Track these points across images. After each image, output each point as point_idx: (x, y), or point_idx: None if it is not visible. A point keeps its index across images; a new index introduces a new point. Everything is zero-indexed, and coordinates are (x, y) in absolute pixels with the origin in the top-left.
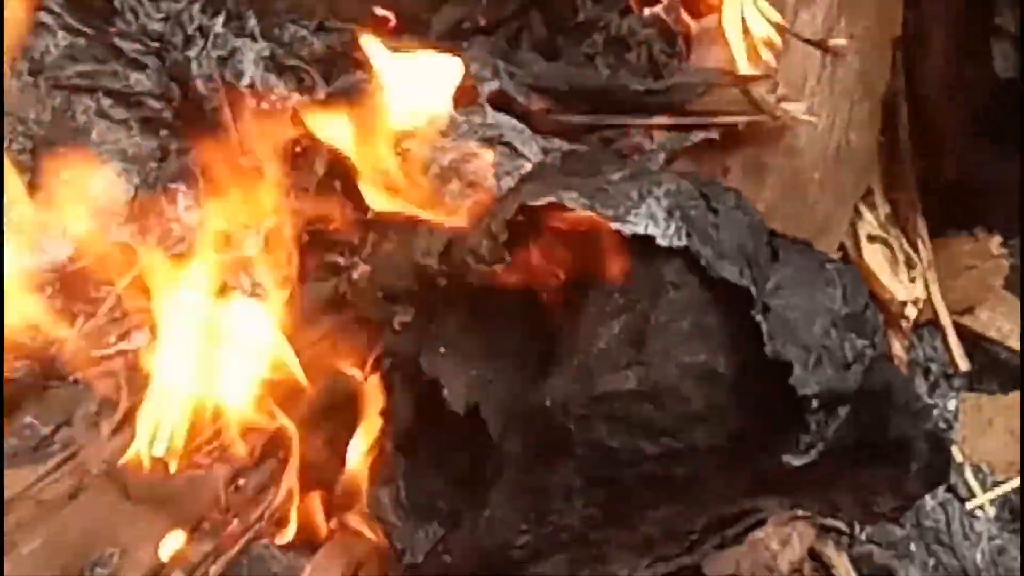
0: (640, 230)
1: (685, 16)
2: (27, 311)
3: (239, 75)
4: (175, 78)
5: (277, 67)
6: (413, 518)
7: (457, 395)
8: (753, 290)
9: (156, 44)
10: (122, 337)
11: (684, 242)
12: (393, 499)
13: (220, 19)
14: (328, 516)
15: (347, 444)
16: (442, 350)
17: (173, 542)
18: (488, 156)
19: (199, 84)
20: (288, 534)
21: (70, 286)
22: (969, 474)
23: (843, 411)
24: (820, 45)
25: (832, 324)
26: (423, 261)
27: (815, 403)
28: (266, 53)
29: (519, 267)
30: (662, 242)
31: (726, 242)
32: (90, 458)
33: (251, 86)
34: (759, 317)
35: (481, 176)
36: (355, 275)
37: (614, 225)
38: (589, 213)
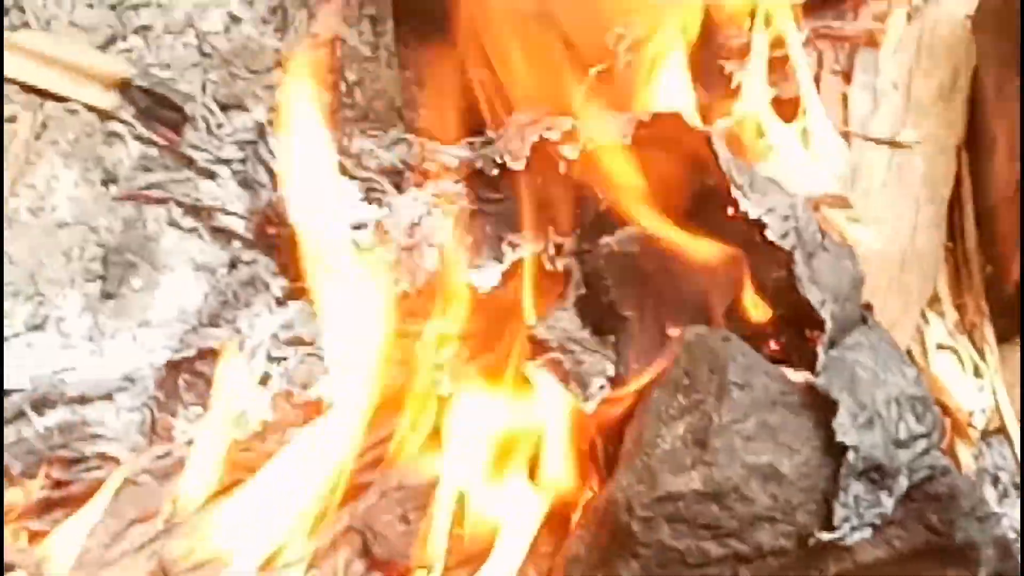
0: (758, 212)
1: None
2: None
3: None
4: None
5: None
6: None
7: None
8: (828, 324)
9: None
10: None
11: (789, 247)
12: None
13: None
14: None
15: None
16: None
17: None
18: None
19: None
20: None
21: None
22: None
23: (887, 500)
24: (889, 143)
25: (895, 399)
26: None
27: (852, 457)
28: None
29: None
30: (770, 235)
31: (823, 274)
32: None
33: None
34: (820, 350)
35: None
36: None
37: (737, 194)
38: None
